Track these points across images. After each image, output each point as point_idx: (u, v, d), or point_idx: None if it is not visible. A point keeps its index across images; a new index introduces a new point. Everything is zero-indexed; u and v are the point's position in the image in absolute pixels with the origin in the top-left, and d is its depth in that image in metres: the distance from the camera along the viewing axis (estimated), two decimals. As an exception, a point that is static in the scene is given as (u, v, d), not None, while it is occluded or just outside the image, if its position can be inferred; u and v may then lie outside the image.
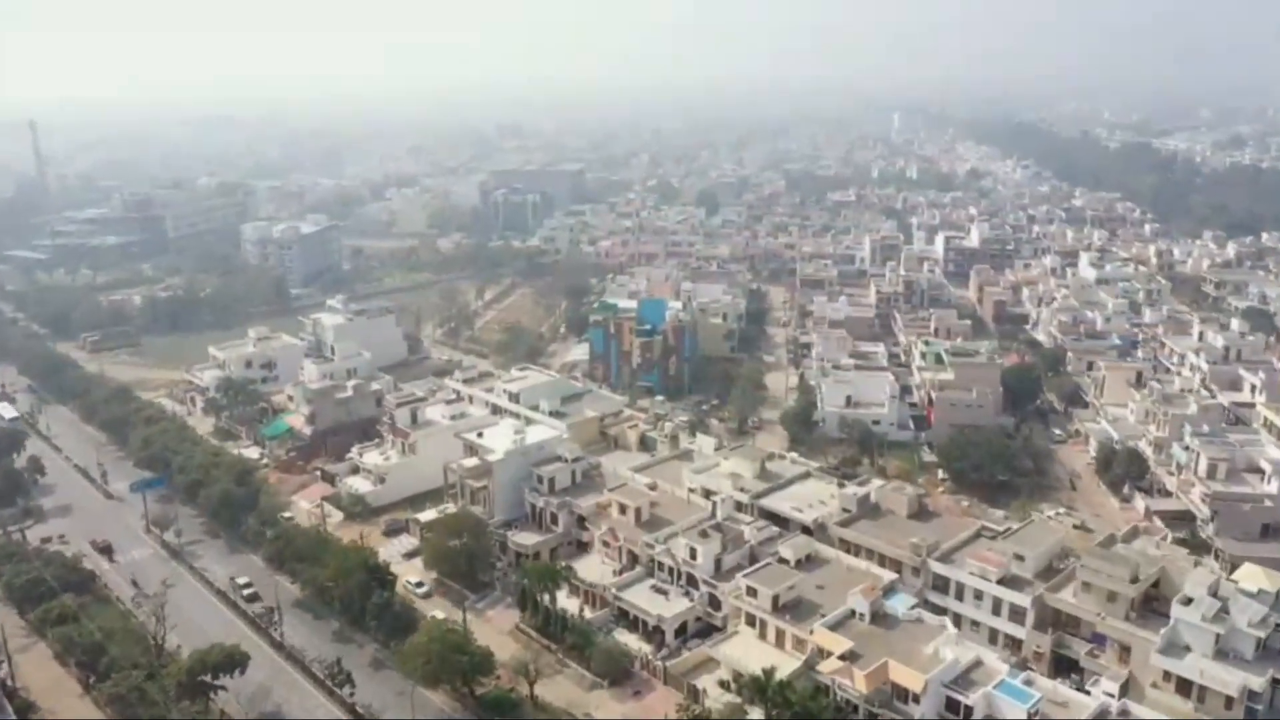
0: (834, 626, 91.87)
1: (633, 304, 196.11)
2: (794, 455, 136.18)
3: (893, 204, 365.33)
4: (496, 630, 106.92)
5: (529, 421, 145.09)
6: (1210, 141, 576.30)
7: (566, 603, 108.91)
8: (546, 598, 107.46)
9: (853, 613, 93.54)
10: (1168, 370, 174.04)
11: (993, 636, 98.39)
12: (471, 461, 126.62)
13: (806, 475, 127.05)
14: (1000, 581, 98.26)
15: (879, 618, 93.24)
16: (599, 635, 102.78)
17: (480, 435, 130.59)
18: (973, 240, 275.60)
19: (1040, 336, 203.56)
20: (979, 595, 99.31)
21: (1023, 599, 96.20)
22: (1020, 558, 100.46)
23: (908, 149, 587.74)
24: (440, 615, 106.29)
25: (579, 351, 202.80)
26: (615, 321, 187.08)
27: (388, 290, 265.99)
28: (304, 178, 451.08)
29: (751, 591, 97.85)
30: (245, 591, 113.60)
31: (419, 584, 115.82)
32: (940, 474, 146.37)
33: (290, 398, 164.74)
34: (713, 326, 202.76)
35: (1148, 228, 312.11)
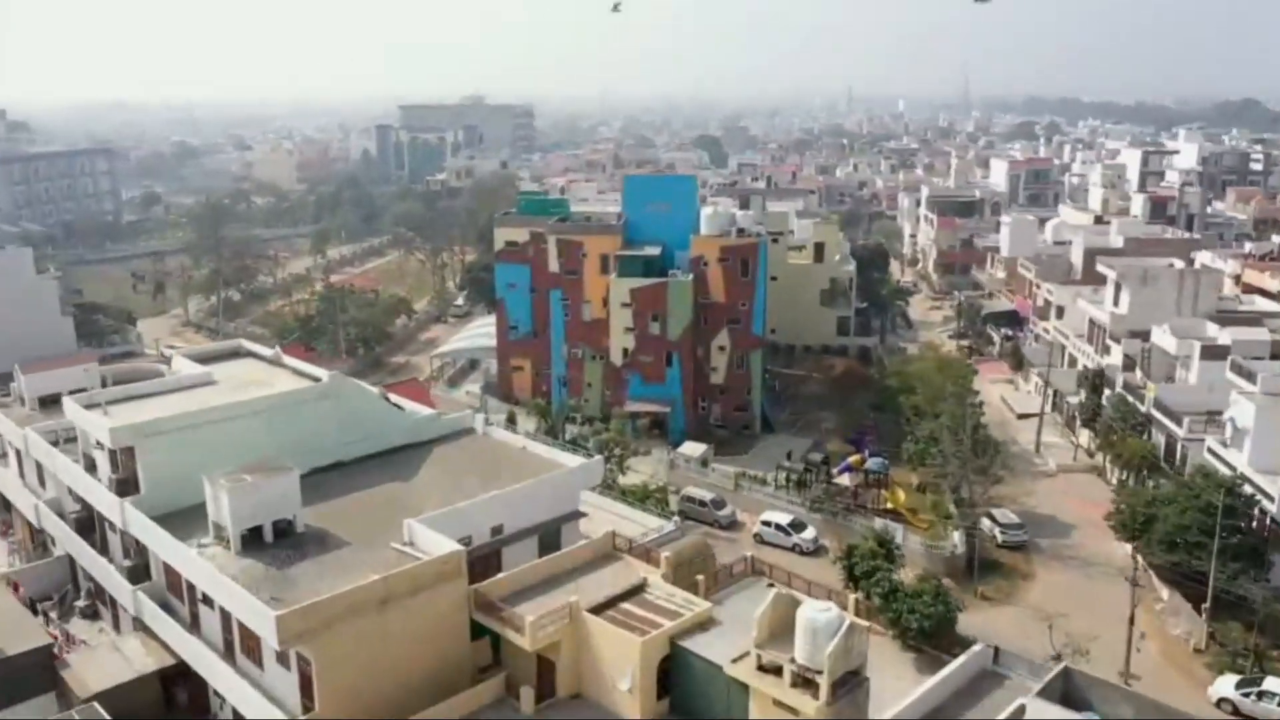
0: None
1: (607, 209, 79.89)
2: None
3: (972, 144, 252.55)
4: None
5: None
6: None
7: None
8: None
9: None
10: None
11: None
12: None
13: None
14: None
15: None
16: None
17: None
18: (1186, 160, 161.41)
19: None
20: None
21: None
22: None
23: (933, 123, 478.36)
24: None
25: (478, 331, 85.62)
26: (560, 239, 69.71)
27: (171, 249, 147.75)
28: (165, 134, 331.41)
29: None
30: None
31: None
32: None
33: None
34: (797, 274, 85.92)
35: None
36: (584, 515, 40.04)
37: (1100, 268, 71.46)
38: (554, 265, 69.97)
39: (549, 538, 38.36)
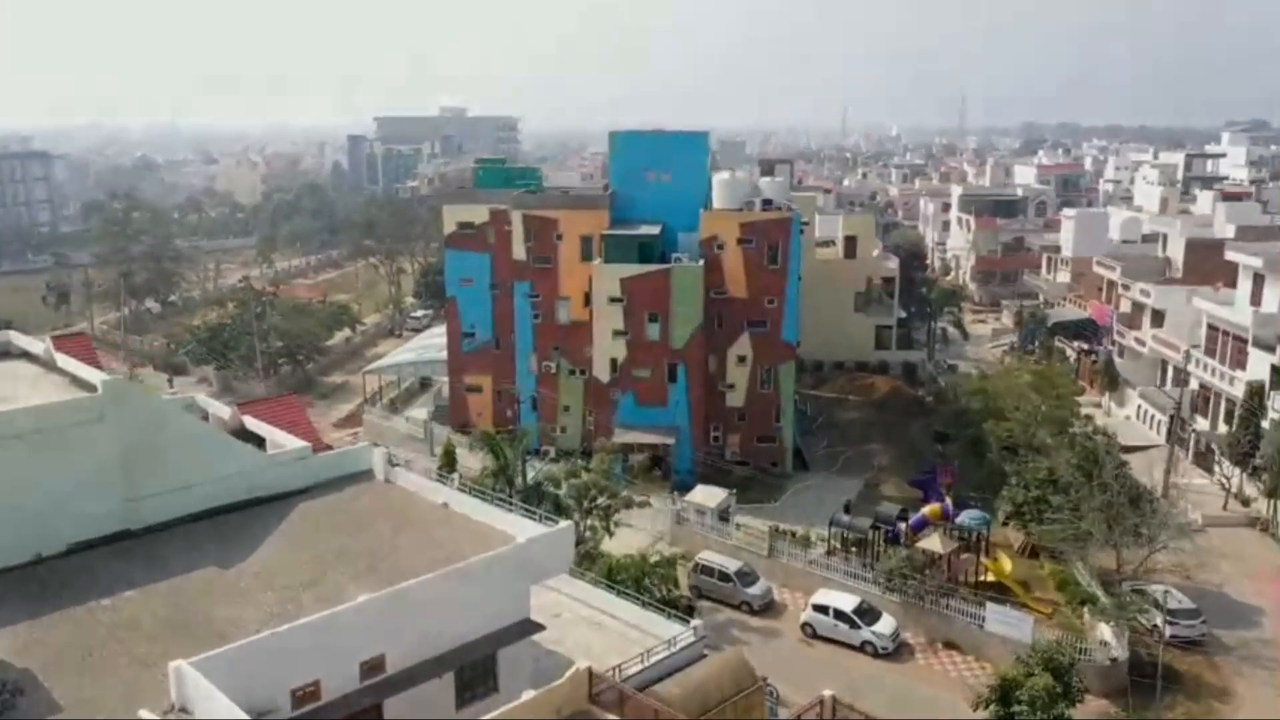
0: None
1: (598, 186, 63.74)
2: None
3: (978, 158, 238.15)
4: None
5: None
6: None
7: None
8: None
9: None
10: None
11: None
12: None
13: None
14: None
15: None
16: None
17: None
18: (1233, 162, 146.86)
19: None
20: None
21: None
22: None
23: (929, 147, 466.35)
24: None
25: (428, 342, 68.71)
26: (529, 216, 53.10)
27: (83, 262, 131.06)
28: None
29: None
30: None
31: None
32: None
33: None
34: (826, 274, 69.61)
35: None
36: (542, 629, 23.05)
37: (1232, 255, 55.03)
38: (520, 252, 53.24)
39: (475, 675, 21.35)
